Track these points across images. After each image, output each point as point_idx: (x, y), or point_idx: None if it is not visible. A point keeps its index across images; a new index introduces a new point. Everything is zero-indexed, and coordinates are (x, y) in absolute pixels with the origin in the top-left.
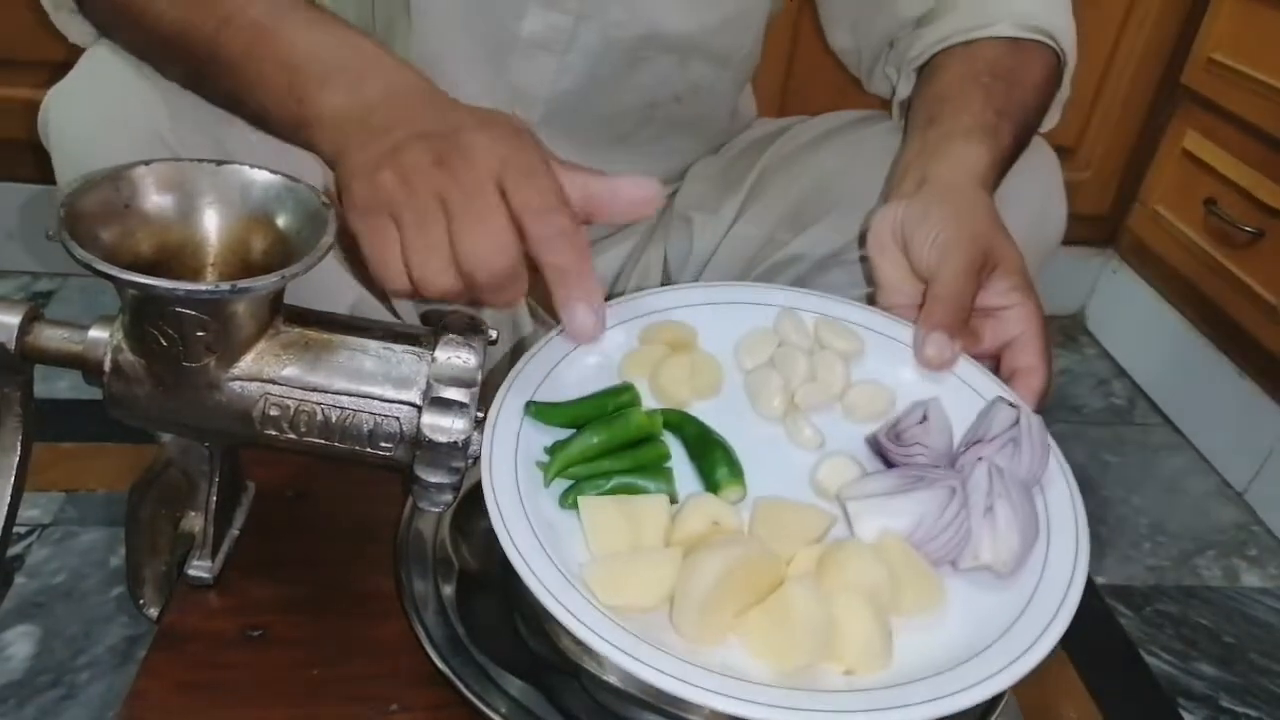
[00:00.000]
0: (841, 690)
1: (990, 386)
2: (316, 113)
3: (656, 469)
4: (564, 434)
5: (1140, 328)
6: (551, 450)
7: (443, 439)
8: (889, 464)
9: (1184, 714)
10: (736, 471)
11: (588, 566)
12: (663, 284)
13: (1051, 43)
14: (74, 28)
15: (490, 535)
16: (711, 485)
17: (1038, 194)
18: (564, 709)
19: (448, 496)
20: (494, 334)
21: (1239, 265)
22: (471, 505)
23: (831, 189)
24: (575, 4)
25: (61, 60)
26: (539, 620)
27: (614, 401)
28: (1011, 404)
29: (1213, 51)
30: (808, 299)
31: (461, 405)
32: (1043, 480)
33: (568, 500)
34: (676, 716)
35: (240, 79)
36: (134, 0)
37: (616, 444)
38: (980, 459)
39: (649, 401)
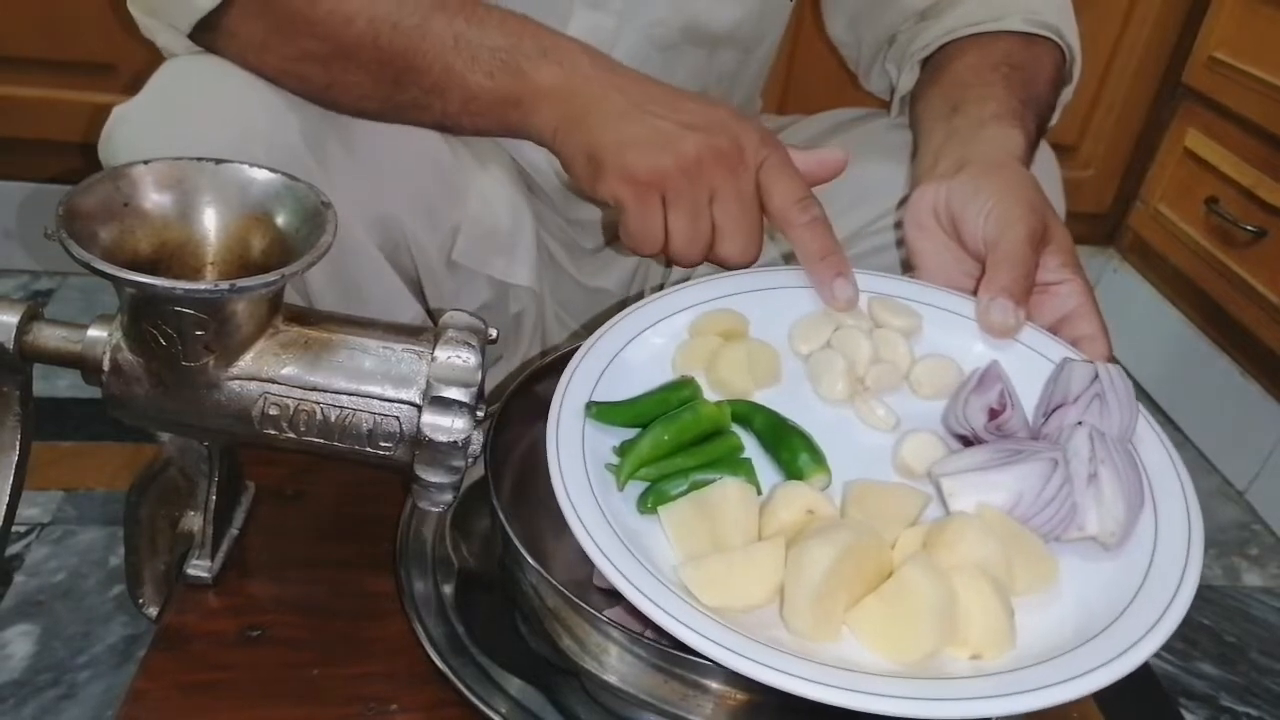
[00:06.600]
0: (970, 676)
1: (1058, 350)
2: (535, 87)
3: (733, 461)
4: (628, 434)
5: (1141, 326)
6: (621, 451)
7: (443, 438)
8: (967, 442)
9: (1185, 714)
10: (819, 457)
11: (683, 568)
12: (663, 285)
13: (1060, 41)
14: (164, 33)
15: (491, 535)
16: (793, 474)
17: None
18: (564, 709)
19: (448, 496)
20: (494, 333)
21: (1240, 264)
22: (471, 505)
23: (829, 186)
24: (620, 3)
25: (60, 60)
26: (539, 620)
27: (676, 396)
28: (1085, 360)
29: (1214, 50)
30: (858, 278)
31: (461, 404)
32: (1134, 441)
33: (647, 505)
34: (677, 716)
35: (448, 69)
36: (318, 9)
37: (687, 439)
38: (1080, 423)
39: (708, 394)
